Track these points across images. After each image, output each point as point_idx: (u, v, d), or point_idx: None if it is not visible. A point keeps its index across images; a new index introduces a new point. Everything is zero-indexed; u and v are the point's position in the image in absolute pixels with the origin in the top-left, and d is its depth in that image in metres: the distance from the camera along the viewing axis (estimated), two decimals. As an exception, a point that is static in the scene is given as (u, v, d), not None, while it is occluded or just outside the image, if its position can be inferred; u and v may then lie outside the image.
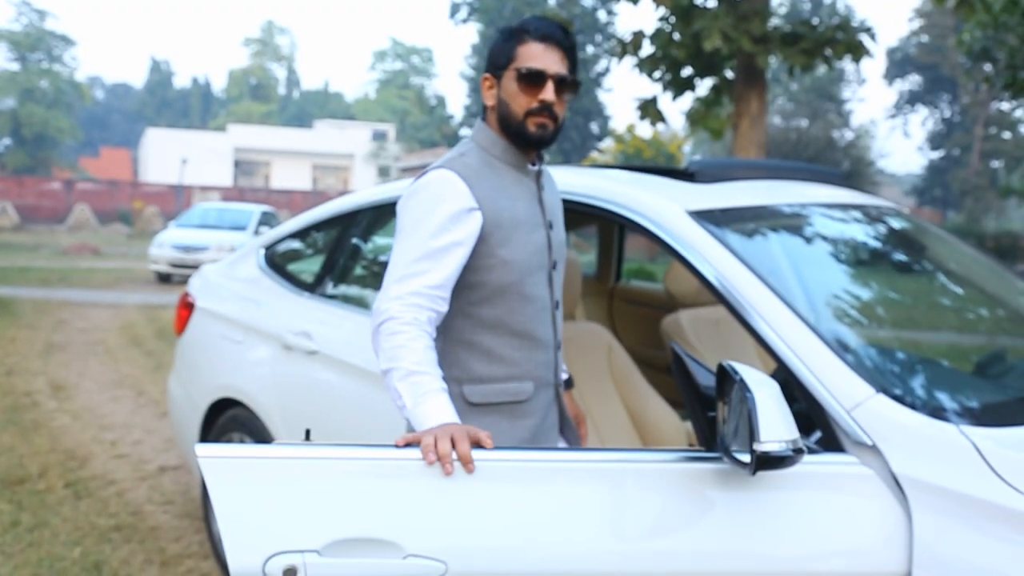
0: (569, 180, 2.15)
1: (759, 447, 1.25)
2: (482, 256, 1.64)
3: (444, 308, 1.61)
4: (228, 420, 2.89)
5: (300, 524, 1.29)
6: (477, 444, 1.37)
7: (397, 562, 1.29)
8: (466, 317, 1.68)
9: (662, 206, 1.89)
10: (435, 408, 1.46)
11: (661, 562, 1.37)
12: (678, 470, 1.42)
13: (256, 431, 2.73)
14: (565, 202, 2.09)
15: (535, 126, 1.64)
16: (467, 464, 1.33)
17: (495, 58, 1.69)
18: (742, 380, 1.31)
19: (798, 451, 1.28)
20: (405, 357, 1.50)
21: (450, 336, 1.69)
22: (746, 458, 1.29)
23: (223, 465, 1.31)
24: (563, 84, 1.64)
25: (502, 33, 1.69)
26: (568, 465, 1.41)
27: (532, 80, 1.62)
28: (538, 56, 1.63)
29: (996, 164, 37.33)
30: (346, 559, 1.28)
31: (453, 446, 1.34)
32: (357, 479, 1.33)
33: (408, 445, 1.36)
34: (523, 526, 1.35)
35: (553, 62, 1.63)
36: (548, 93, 1.62)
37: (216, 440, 2.95)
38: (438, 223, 1.58)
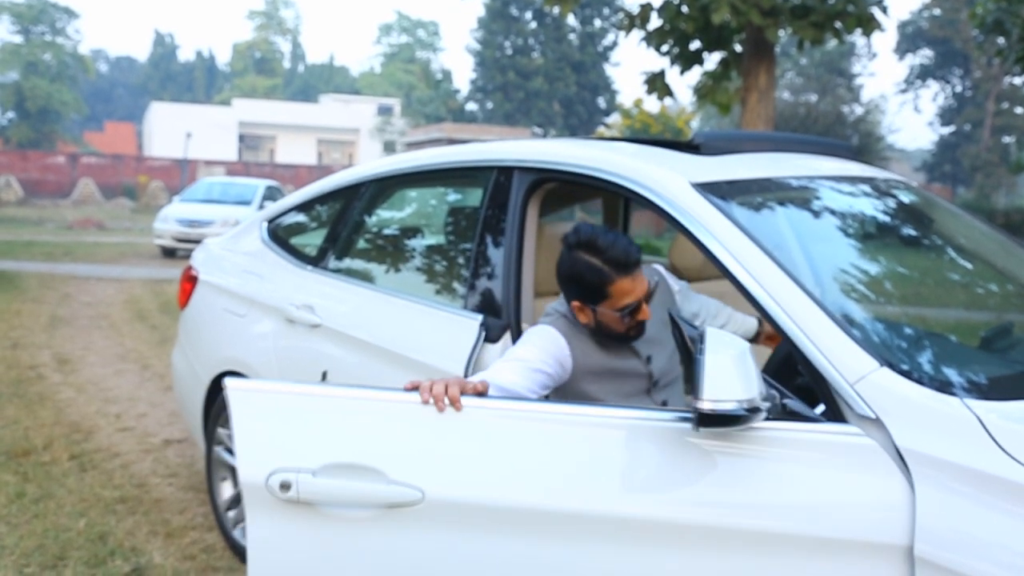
0: (573, 153, 2.12)
1: (699, 404, 1.35)
2: (572, 392, 1.91)
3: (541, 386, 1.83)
4: (231, 393, 2.90)
5: (301, 448, 1.53)
6: (478, 394, 1.57)
7: (380, 487, 1.50)
8: None
9: (666, 178, 1.86)
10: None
11: (643, 508, 1.47)
12: (665, 427, 1.49)
13: (259, 404, 2.74)
14: (570, 174, 2.07)
15: (635, 333, 1.90)
16: (455, 403, 1.52)
17: (586, 292, 1.85)
18: (693, 338, 1.41)
19: (753, 410, 1.35)
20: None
21: None
22: (691, 414, 1.38)
23: (245, 395, 1.56)
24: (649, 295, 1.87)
25: (586, 270, 1.83)
26: (551, 415, 1.54)
27: (632, 311, 1.84)
28: (630, 290, 1.82)
29: (1008, 140, 36.92)
30: (333, 480, 1.52)
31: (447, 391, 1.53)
32: (356, 415, 1.55)
33: (414, 390, 1.55)
34: (500, 466, 1.50)
35: (640, 284, 1.84)
36: (645, 313, 1.86)
37: (219, 414, 2.96)
38: (536, 355, 1.83)
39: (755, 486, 1.44)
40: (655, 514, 1.44)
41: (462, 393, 1.53)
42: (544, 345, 1.85)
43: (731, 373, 1.34)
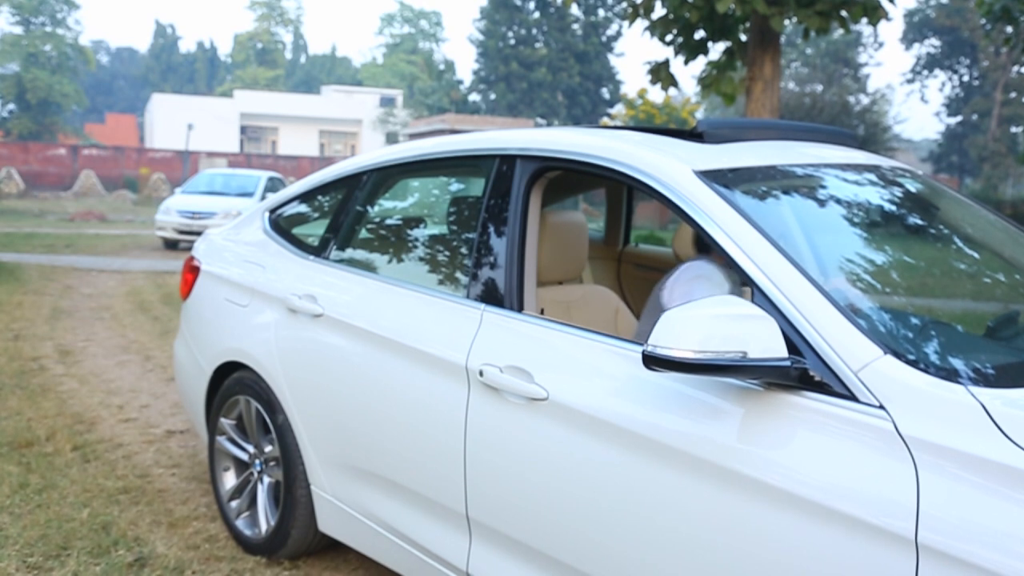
0: (576, 141, 2.10)
1: (645, 348, 1.49)
2: None
3: None
4: (234, 383, 2.89)
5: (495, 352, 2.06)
6: None
7: (528, 384, 1.90)
8: None
9: (669, 166, 1.84)
10: None
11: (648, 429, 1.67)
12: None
13: (262, 393, 2.73)
14: (572, 163, 2.05)
15: None
16: None
17: None
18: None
19: (707, 363, 1.43)
20: None
21: None
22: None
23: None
24: None
25: None
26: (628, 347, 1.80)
27: None
28: None
29: (1015, 130, 36.74)
30: (507, 375, 1.96)
31: None
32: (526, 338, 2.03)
33: None
34: (601, 384, 1.83)
35: None
36: None
37: (221, 404, 2.96)
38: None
39: (775, 443, 1.51)
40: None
41: None
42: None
43: (685, 325, 1.45)
